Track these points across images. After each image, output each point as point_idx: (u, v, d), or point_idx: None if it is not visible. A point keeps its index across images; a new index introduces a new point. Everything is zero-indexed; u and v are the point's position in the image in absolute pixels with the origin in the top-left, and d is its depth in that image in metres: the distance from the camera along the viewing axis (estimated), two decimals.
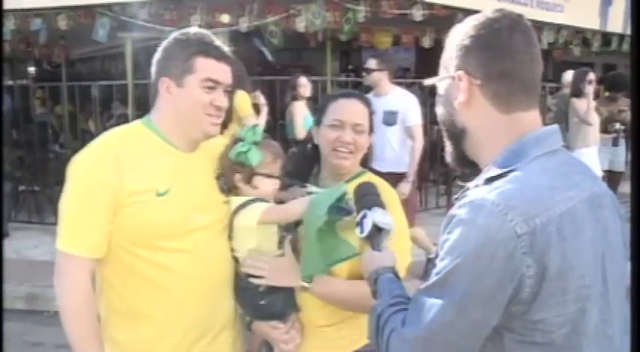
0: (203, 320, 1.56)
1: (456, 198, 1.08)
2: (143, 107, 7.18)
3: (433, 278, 1.01)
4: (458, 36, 1.11)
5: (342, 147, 1.67)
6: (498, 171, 1.03)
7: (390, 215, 1.37)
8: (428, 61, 9.90)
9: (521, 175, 1.00)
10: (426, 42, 7.46)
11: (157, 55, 1.56)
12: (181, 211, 1.51)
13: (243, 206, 1.60)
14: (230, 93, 1.59)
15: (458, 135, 1.14)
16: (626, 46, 8.74)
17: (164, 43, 1.56)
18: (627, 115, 5.81)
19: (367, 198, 1.41)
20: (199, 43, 1.52)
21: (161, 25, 5.98)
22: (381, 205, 1.39)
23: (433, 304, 0.99)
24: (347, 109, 1.70)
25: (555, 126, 1.12)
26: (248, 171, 1.59)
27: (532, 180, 1.00)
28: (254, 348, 1.82)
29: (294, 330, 1.63)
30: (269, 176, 1.62)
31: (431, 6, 6.33)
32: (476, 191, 1.02)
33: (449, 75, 1.11)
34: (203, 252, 1.55)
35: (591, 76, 5.53)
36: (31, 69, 11.24)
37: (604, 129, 5.87)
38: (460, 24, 1.13)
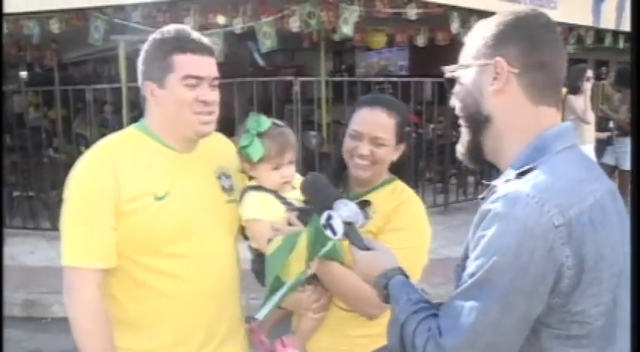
0: (209, 325, 1.54)
1: (482, 198, 1.08)
2: (136, 110, 7.15)
3: (469, 281, 0.99)
4: (490, 27, 1.12)
5: (358, 158, 1.62)
6: (526, 166, 1.03)
7: (350, 202, 1.29)
8: (421, 60, 9.90)
9: (549, 168, 1.01)
10: (420, 41, 7.46)
11: (139, 59, 1.52)
12: (182, 214, 1.49)
13: (243, 192, 1.59)
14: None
15: (480, 124, 1.13)
16: (619, 43, 8.80)
17: (144, 46, 1.52)
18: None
19: (321, 194, 1.33)
20: (174, 39, 1.46)
21: (154, 27, 5.95)
22: (338, 196, 1.31)
23: (473, 307, 0.97)
24: (366, 120, 1.62)
25: (569, 123, 1.14)
26: (253, 163, 1.56)
27: (561, 173, 1.01)
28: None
29: (320, 289, 1.58)
30: (274, 168, 1.57)
31: (425, 4, 6.33)
32: (508, 185, 1.02)
33: (484, 62, 1.10)
34: (206, 255, 1.53)
35: (589, 73, 5.56)
36: (23, 73, 11.17)
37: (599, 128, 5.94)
38: (488, 19, 1.14)
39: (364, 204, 1.62)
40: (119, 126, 6.89)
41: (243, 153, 1.56)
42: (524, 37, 1.08)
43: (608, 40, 8.74)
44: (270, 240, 1.51)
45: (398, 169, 1.71)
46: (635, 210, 1.00)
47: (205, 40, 1.50)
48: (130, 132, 1.56)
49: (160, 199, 1.45)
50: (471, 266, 0.99)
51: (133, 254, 1.46)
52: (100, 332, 1.43)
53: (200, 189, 1.54)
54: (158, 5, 6.02)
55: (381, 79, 7.53)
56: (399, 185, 1.69)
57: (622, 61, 8.66)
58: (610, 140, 6.17)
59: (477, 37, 1.14)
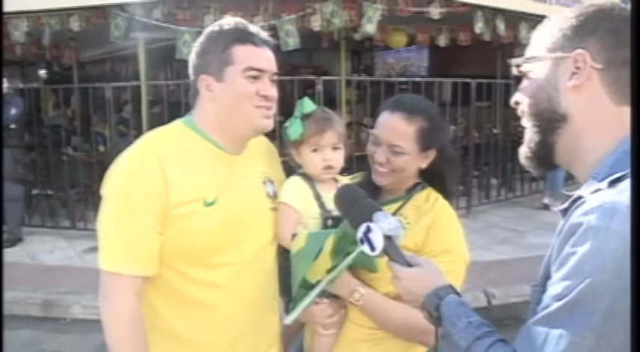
0: (250, 338, 1.45)
1: (564, 210, 0.96)
2: (157, 107, 7.10)
3: (555, 304, 0.87)
4: (568, 19, 1.01)
5: (377, 165, 1.53)
6: (619, 174, 0.92)
7: (390, 214, 1.19)
8: (440, 60, 9.71)
9: None
10: (442, 41, 7.34)
11: (193, 53, 1.43)
12: (230, 221, 1.39)
13: (289, 178, 1.58)
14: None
15: (554, 123, 1.02)
16: None
17: (198, 39, 1.43)
18: None
19: (358, 206, 1.22)
20: (233, 31, 1.38)
21: (174, 25, 5.92)
22: (377, 207, 1.21)
23: (562, 334, 0.85)
24: (385, 126, 1.53)
25: None
26: (294, 145, 1.54)
27: None
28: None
29: (336, 305, 1.50)
30: (314, 150, 1.52)
31: (449, 3, 6.20)
32: (599, 195, 0.90)
33: (562, 55, 1.00)
34: (250, 263, 1.43)
35: None
36: (42, 72, 11.22)
37: None
38: (563, 12, 1.04)
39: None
40: (138, 124, 6.87)
41: (285, 134, 1.54)
42: (609, 30, 0.97)
43: None
44: (294, 236, 1.45)
45: (430, 176, 1.59)
46: (635, 210, 0.89)
47: (264, 33, 1.42)
48: (176, 127, 1.45)
49: (209, 205, 1.35)
50: (557, 287, 0.87)
51: (174, 261, 1.36)
52: (133, 342, 1.33)
53: (247, 195, 1.45)
54: (178, 3, 5.98)
55: (403, 79, 7.40)
56: (432, 193, 1.57)
57: None
58: None
59: (551, 29, 1.03)
